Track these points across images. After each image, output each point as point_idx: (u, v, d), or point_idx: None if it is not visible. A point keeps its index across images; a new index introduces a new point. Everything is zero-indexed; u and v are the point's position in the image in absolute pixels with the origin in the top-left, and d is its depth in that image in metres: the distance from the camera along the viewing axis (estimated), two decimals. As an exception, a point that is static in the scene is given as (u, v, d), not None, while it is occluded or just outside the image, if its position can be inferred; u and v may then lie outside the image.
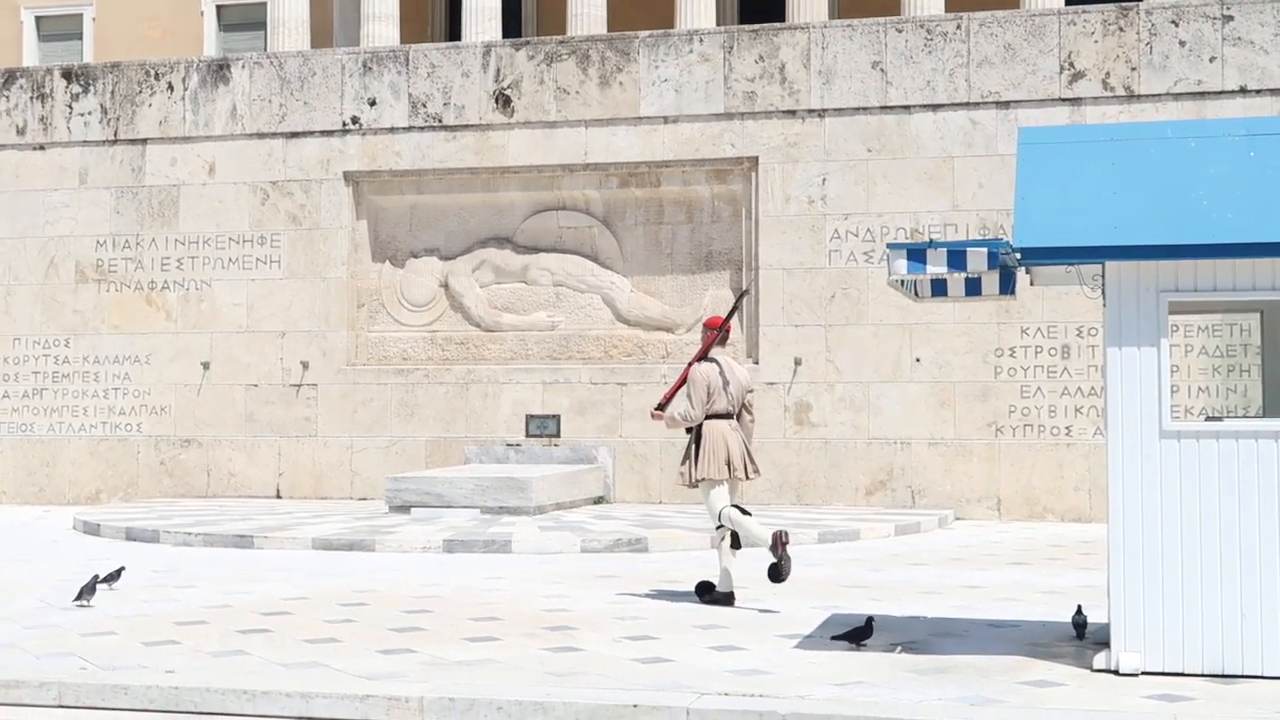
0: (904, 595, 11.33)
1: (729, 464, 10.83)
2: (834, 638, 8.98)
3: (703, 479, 10.87)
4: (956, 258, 8.36)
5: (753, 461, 11.04)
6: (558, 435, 19.07)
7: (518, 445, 19.17)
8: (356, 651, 8.94)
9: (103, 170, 20.95)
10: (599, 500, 18.64)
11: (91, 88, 21.07)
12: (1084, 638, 8.99)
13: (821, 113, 18.93)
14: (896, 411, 18.42)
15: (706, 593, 11.00)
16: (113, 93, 20.98)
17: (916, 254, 8.46)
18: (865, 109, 18.79)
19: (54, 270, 20.99)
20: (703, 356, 11.07)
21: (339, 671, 8.33)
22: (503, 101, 19.87)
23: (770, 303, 18.94)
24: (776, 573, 10.55)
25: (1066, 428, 17.95)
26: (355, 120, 20.24)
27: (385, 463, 19.54)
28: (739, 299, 12.08)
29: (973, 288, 9.20)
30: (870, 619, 9.01)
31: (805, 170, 18.94)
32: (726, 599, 10.86)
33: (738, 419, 11.05)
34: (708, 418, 10.89)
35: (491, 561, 13.70)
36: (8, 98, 21.32)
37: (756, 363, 18.91)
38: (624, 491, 19.02)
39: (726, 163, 19.34)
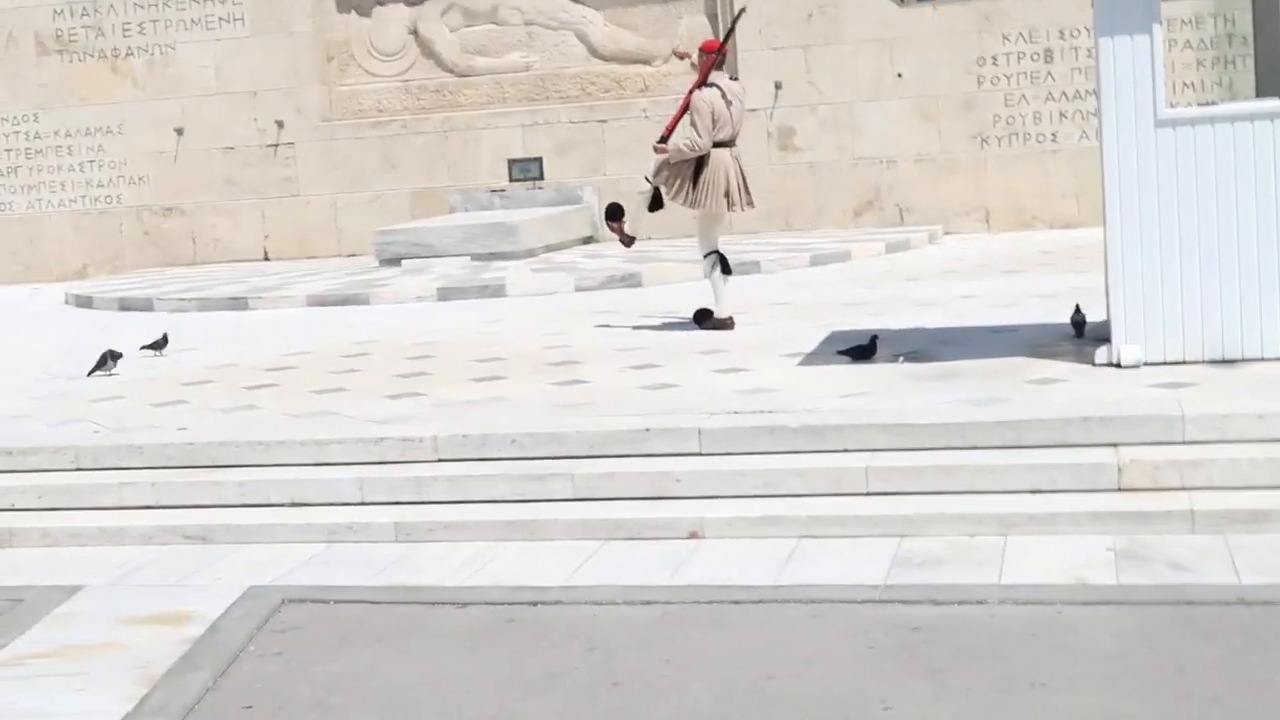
0: (901, 309, 11.40)
1: (727, 196, 10.63)
2: (839, 352, 9.04)
3: (701, 208, 10.70)
4: (943, -42, 8.14)
5: (748, 193, 10.83)
6: (541, 178, 18.91)
7: (502, 191, 19.02)
8: (364, 399, 9.01)
9: (51, -64, 20.28)
10: (588, 240, 18.57)
11: None
12: (1083, 336, 9.05)
13: None
14: (880, 130, 18.24)
15: (706, 319, 11.01)
16: None
17: (902, -43, 8.23)
18: None
19: (14, 44, 20.48)
20: (702, 82, 10.69)
21: (350, 418, 8.41)
22: None
23: (747, 26, 18.52)
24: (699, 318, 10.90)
25: (1052, 134, 17.81)
26: None
27: (370, 218, 19.38)
28: (736, 18, 11.61)
29: (959, -11, 8.98)
30: (874, 337, 9.04)
31: (776, -114, 18.35)
32: (725, 323, 10.90)
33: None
34: (713, 146, 10.59)
35: (487, 306, 13.72)
36: None
37: (736, 90, 18.63)
38: (612, 229, 18.93)
39: (695, -117, 18.76)
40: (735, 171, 10.69)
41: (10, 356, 12.33)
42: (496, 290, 14.39)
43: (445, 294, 14.43)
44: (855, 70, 18.25)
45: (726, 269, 10.96)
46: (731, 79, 11.12)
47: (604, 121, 19.03)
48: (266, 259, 19.89)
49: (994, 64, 17.90)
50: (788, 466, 7.02)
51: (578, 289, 14.38)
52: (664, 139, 10.79)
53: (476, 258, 16.53)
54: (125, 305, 15.80)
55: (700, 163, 10.59)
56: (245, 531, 7.31)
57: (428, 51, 19.88)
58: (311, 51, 19.80)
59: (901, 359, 8.90)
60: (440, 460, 7.59)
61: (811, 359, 9.24)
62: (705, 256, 10.98)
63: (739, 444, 7.27)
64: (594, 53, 19.44)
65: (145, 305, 15.58)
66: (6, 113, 20.58)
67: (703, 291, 11.39)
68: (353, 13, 20.01)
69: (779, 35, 18.44)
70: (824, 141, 18.41)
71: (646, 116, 18.59)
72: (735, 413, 7.63)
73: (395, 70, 19.97)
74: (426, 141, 19.56)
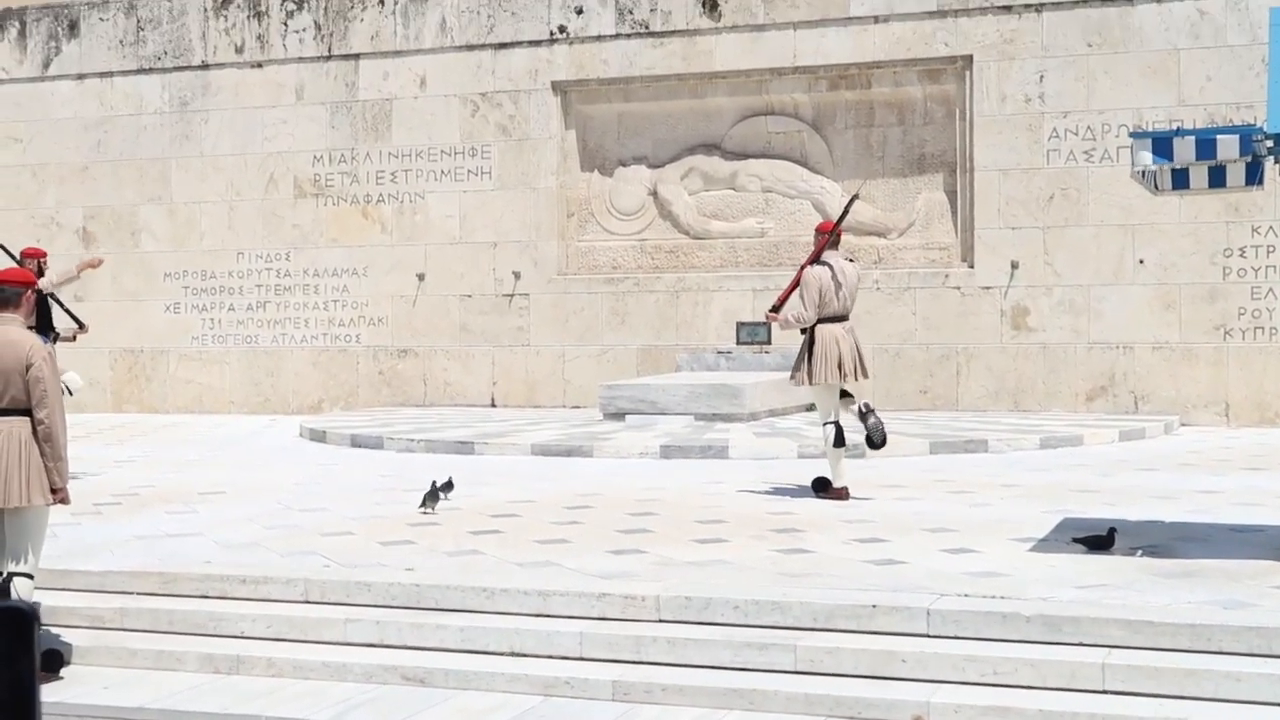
0: (1137, 500, 11.03)
1: (840, 367, 11.10)
2: (1074, 540, 8.77)
3: (815, 383, 11.16)
4: (1205, 147, 7.99)
5: (862, 365, 11.28)
6: (768, 342, 18.95)
7: (728, 352, 19.11)
8: (586, 552, 9.03)
9: (318, 86, 21.32)
10: (811, 407, 18.38)
11: (305, 4, 21.40)
12: (1335, 542, 8.64)
13: (1039, 7, 18.31)
14: (1118, 315, 17.89)
15: (824, 488, 11.28)
16: (325, 9, 21.29)
17: (1162, 144, 8.10)
18: (1084, 1, 18.12)
19: (274, 185, 21.49)
20: (815, 259, 11.27)
21: (572, 570, 8.42)
22: (709, 5, 19.65)
23: (985, 205, 18.50)
24: (870, 440, 11.18)
25: (1301, 330, 17.24)
26: (562, 29, 20.23)
27: (597, 371, 19.68)
28: (849, 202, 12.07)
29: (1216, 178, 8.76)
30: (1112, 529, 8.75)
31: (1022, 68, 18.37)
32: (840, 494, 11.12)
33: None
34: (820, 321, 11.15)
35: (709, 466, 13.71)
36: (225, 17, 21.78)
37: (971, 266, 18.53)
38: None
39: (939, 62, 18.87)
40: (847, 344, 11.19)
41: (248, 487, 12.71)
42: (719, 451, 14.38)
43: (668, 451, 14.48)
44: (1095, 253, 17.98)
45: (841, 441, 11.18)
46: (848, 259, 11.60)
47: (835, 290, 19.01)
48: (494, 405, 20.26)
49: (1241, 255, 17.46)
50: (1019, 656, 6.79)
51: (800, 455, 14.28)
52: (775, 308, 11.45)
53: (700, 417, 16.58)
54: (357, 442, 16.21)
55: (811, 338, 11.10)
56: (464, 677, 7.33)
57: (665, 212, 20.24)
58: (553, 207, 20.33)
59: (1140, 552, 8.58)
60: (661, 621, 7.53)
61: (1044, 545, 8.97)
62: (824, 426, 11.32)
63: (969, 628, 7.07)
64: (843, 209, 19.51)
65: (376, 443, 15.96)
66: (262, 250, 21.51)
67: (920, 464, 11.21)
68: (596, 171, 20.52)
69: (1018, 215, 18.31)
70: (1058, 323, 18.12)
71: (879, 288, 18.57)
72: (965, 595, 7.42)
73: (632, 229, 20.36)
74: (657, 300, 19.82)
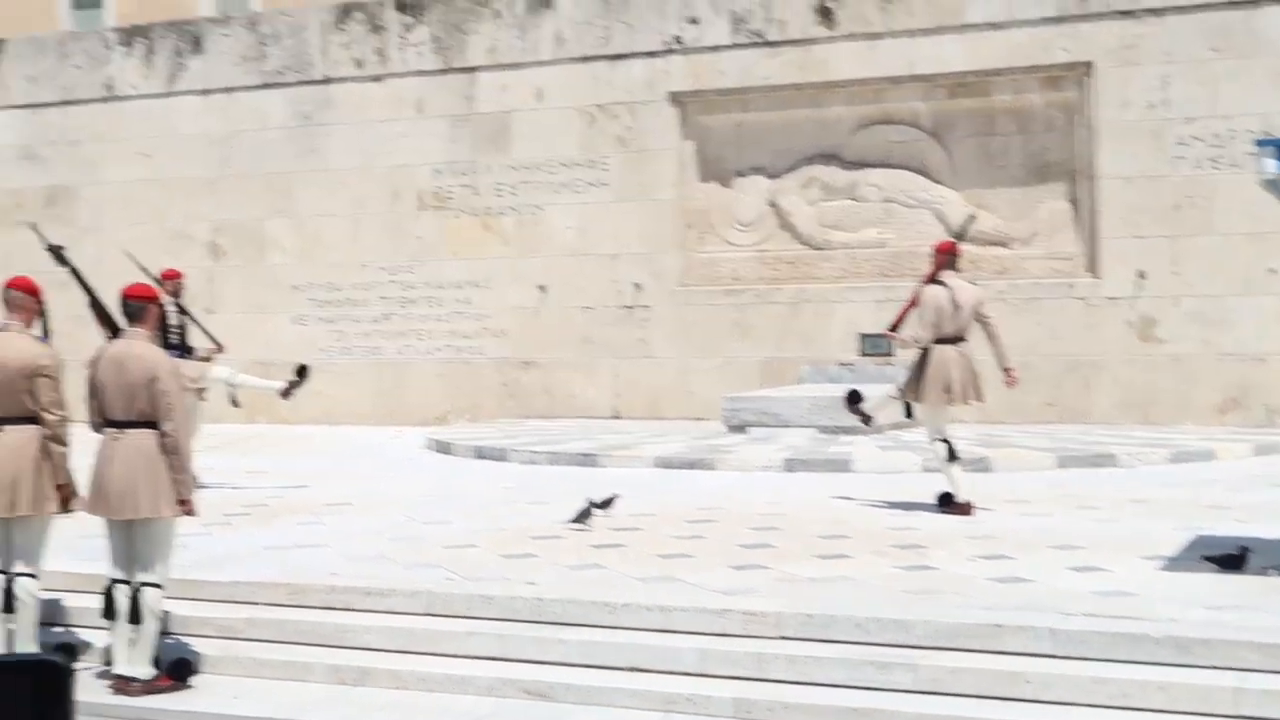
0: (1271, 517, 10.76)
1: (949, 389, 11.11)
2: (1204, 559, 8.59)
3: (923, 401, 11.24)
4: (1338, 155, 7.80)
5: (976, 388, 11.26)
6: (891, 354, 18.79)
7: (851, 364, 19.00)
8: (708, 567, 9.02)
9: (437, 99, 21.54)
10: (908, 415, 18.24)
11: (422, 18, 21.64)
12: None
13: (1160, 11, 17.99)
14: (1249, 326, 17.51)
15: (949, 503, 11.26)
16: (442, 22, 21.51)
17: (1292, 152, 7.92)
18: (1208, 5, 17.76)
19: (397, 199, 21.76)
20: (932, 279, 11.31)
21: (693, 586, 8.41)
22: (824, 14, 19.56)
23: (1110, 214, 18.20)
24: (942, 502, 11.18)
25: None
26: (678, 40, 20.25)
27: (719, 382, 19.64)
28: (967, 222, 12.23)
29: (1349, 187, 8.58)
30: (1245, 548, 8.55)
31: (1144, 74, 18.06)
32: (964, 508, 11.07)
33: (985, 332, 11.32)
34: (936, 341, 11.16)
35: (832, 480, 13.62)
36: (345, 31, 22.10)
37: (1097, 276, 18.24)
38: (960, 410, 18.53)
39: (1060, 69, 18.61)
40: (960, 366, 11.15)
41: (374, 498, 12.86)
42: (842, 465, 14.30)
43: (791, 465, 14.42)
44: (1224, 263, 17.62)
45: (954, 455, 11.25)
46: (970, 282, 11.66)
47: (958, 301, 18.82)
48: (616, 417, 20.32)
49: (1379, 263, 17.01)
50: (1148, 678, 6.67)
51: (925, 469, 14.13)
52: (893, 326, 11.64)
53: (823, 430, 16.49)
54: (481, 454, 16.35)
55: (925, 358, 11.17)
56: (584, 692, 7.36)
57: (785, 223, 20.16)
58: (672, 219, 20.34)
59: (1273, 572, 8.38)
60: (783, 638, 7.50)
61: (1174, 564, 8.79)
62: (933, 442, 11.43)
63: (1096, 649, 6.95)
64: (950, 233, 19.32)
65: (500, 455, 16.08)
66: (386, 262, 21.78)
67: (1049, 479, 11.06)
68: (714, 183, 20.50)
69: (1143, 224, 17.99)
70: (1188, 334, 17.77)
71: (1003, 299, 18.34)
72: (1092, 615, 7.30)
73: (752, 240, 20.31)
74: (779, 311, 19.75)
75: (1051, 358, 18.31)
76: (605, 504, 11.02)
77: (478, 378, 21.22)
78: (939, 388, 11.11)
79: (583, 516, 10.76)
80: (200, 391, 13.12)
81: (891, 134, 19.69)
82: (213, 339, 13.75)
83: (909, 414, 11.73)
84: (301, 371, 13.90)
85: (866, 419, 12.28)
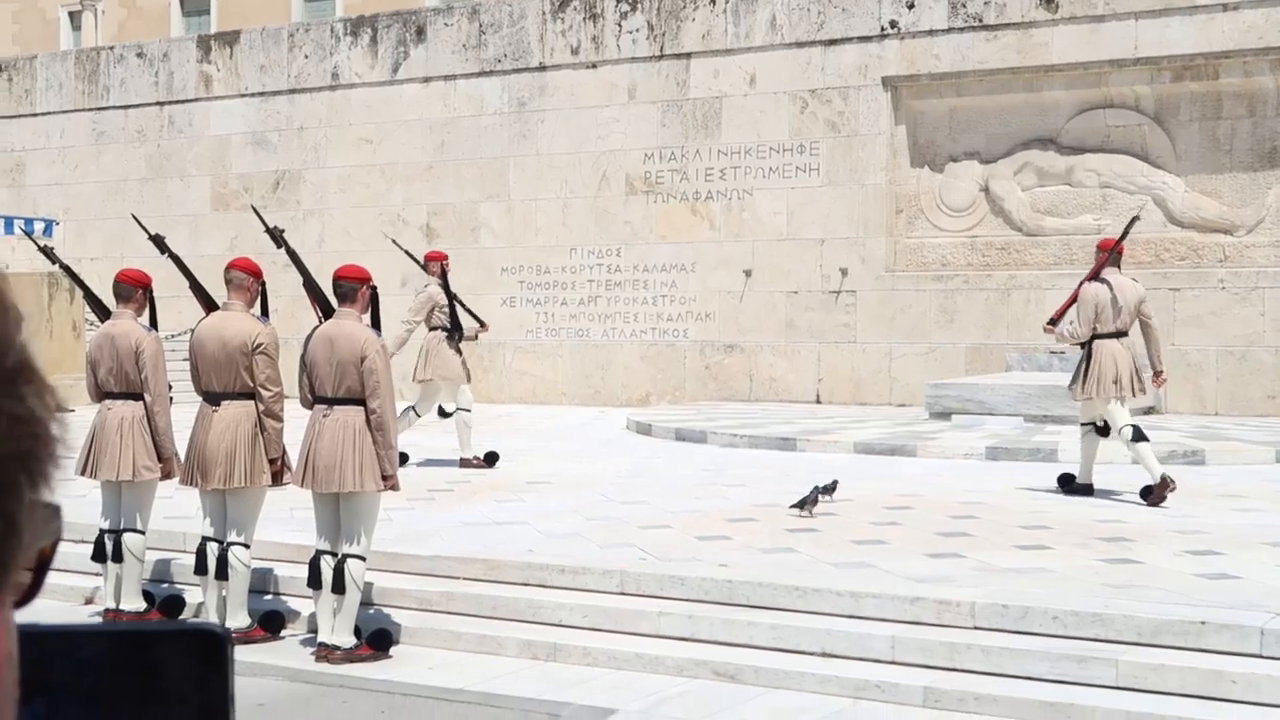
0: None
1: (1116, 383, 11.07)
2: None
3: (1089, 397, 11.22)
4: None
5: (1140, 380, 11.20)
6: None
7: (1062, 353, 18.51)
8: (903, 554, 8.90)
9: (649, 85, 21.65)
10: (1149, 411, 17.74)
11: (639, 5, 21.75)
12: None
13: (1405, -12, 17.15)
14: None
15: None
16: (658, 9, 21.59)
17: None
18: None
19: (606, 183, 21.94)
20: (1094, 276, 11.36)
21: (886, 572, 8.31)
22: (1046, -3, 19.08)
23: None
24: (1145, 495, 11.00)
25: None
26: (893, 24, 19.99)
27: (924, 369, 19.38)
28: (1130, 223, 12.34)
29: None
30: None
31: (1385, 54, 17.23)
32: (1164, 487, 10.89)
33: (1143, 332, 11.33)
34: (1096, 337, 11.14)
35: (1037, 470, 13.30)
36: (562, 19, 22.33)
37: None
38: (1176, 402, 18.07)
39: (1294, 50, 17.87)
40: (1124, 360, 11.12)
41: (573, 478, 13.01)
42: (1049, 454, 13.97)
43: (994, 453, 14.15)
44: None
45: (1140, 435, 11.17)
46: (1131, 279, 11.64)
47: (1176, 290, 18.26)
48: (818, 401, 20.19)
49: None
50: (1362, 683, 6.37)
51: (1133, 460, 13.69)
52: (1053, 321, 11.55)
53: (1029, 419, 16.14)
54: (680, 435, 16.40)
55: (1088, 354, 11.23)
56: (774, 675, 7.32)
57: (997, 209, 19.78)
58: (881, 203, 20.11)
59: None
60: (976, 629, 7.36)
61: (1397, 565, 8.39)
62: (1081, 425, 11.64)
63: (1306, 651, 6.67)
64: (1171, 219, 18.76)
65: (699, 437, 16.11)
66: (594, 245, 21.99)
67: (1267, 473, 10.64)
68: (925, 168, 20.21)
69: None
70: None
71: (1224, 288, 17.74)
72: (1304, 615, 7.01)
73: (962, 225, 19.97)
74: (987, 298, 19.39)
75: (1274, 349, 17.61)
76: (829, 489, 10.77)
77: (680, 360, 21.29)
78: (1106, 382, 11.13)
79: (806, 503, 10.44)
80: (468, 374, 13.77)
81: (1111, 118, 19.15)
82: (477, 319, 14.19)
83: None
84: (490, 459, 13.83)
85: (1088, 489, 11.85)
